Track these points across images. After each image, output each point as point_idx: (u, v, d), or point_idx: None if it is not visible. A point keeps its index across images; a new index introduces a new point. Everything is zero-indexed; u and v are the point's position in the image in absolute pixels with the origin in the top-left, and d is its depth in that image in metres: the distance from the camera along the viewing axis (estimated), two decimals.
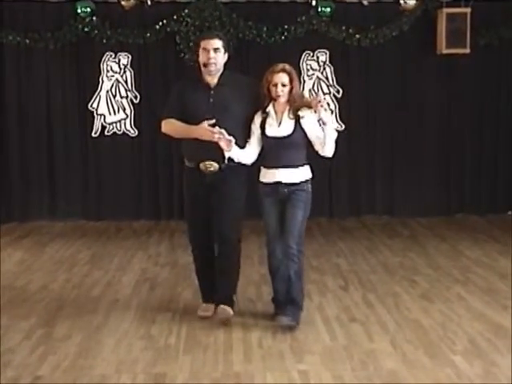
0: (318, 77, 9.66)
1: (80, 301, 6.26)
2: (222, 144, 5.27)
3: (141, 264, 7.55)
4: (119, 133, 9.69)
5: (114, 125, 9.68)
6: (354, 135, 9.68)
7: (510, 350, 4.97)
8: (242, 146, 5.48)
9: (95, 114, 9.64)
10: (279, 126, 5.44)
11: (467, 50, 9.24)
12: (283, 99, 5.42)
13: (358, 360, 4.84)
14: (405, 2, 9.11)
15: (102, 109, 9.64)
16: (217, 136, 5.22)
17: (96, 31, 9.31)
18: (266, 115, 5.47)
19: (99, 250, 8.17)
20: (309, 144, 5.52)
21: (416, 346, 5.08)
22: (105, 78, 9.59)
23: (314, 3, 9.32)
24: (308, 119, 5.43)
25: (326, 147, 5.44)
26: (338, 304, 6.09)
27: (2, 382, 4.52)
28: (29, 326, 5.58)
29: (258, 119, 5.51)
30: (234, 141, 5.28)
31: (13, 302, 6.22)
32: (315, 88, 9.65)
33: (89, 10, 9.17)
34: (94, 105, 9.61)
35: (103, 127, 9.67)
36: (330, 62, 9.65)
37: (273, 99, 5.46)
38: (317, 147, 5.49)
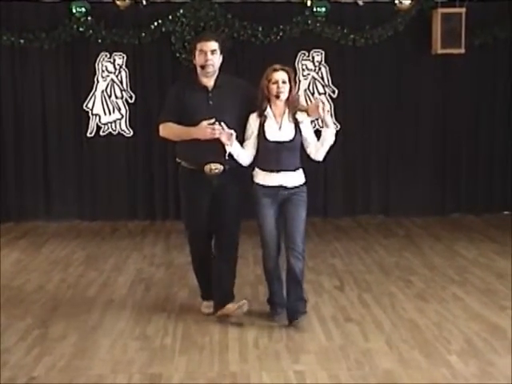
0: (313, 77, 9.66)
1: (75, 301, 6.25)
2: (224, 139, 5.29)
3: (136, 264, 7.53)
4: (114, 133, 9.68)
5: (109, 125, 9.67)
6: (349, 135, 9.68)
7: (506, 350, 4.98)
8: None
9: (90, 114, 9.62)
10: (280, 130, 5.45)
11: (462, 50, 9.25)
12: (284, 97, 5.42)
13: (354, 360, 4.84)
14: (400, 2, 9.13)
15: (97, 109, 9.63)
16: (218, 132, 5.26)
17: (91, 31, 9.30)
18: (264, 118, 5.45)
19: (94, 251, 8.16)
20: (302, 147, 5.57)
21: (412, 346, 5.08)
22: (100, 78, 9.58)
23: (309, 3, 9.33)
24: (305, 123, 5.50)
25: (322, 150, 5.51)
26: (333, 304, 6.09)
27: None
28: (25, 326, 5.57)
29: (254, 122, 5.49)
30: (234, 134, 5.30)
31: (10, 302, 6.21)
32: (310, 88, 9.65)
33: (84, 9, 9.16)
34: (89, 105, 9.60)
35: (98, 127, 9.65)
36: (326, 61, 9.65)
37: (271, 100, 5.47)
38: (310, 150, 5.55)
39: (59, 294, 6.45)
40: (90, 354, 5.00)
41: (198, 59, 5.51)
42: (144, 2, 9.30)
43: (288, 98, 5.47)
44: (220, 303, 5.68)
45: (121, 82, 9.61)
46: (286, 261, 5.48)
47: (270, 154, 5.45)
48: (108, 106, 9.63)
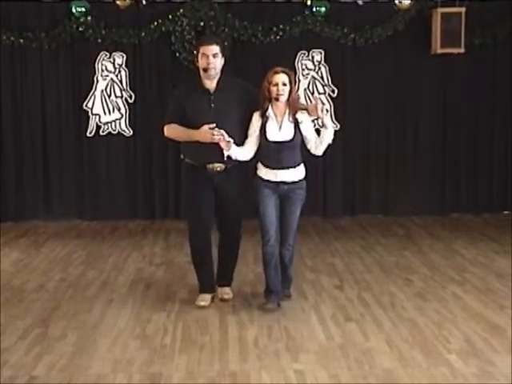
0: (313, 76, 9.66)
1: (75, 300, 6.26)
2: (222, 144, 5.57)
3: (136, 264, 7.54)
4: (114, 132, 9.67)
5: (109, 124, 9.66)
6: (349, 134, 9.68)
7: (506, 350, 4.98)
8: (240, 146, 5.76)
9: (90, 114, 9.62)
10: (280, 130, 5.70)
11: (462, 50, 9.25)
12: (283, 98, 5.66)
13: (354, 359, 4.84)
14: (400, 2, 9.12)
15: (97, 108, 9.63)
16: (217, 138, 5.53)
17: (91, 31, 9.30)
18: (266, 118, 5.71)
19: (94, 250, 8.15)
20: (302, 143, 5.82)
21: (411, 345, 5.09)
22: (99, 78, 9.58)
23: (308, 3, 9.33)
24: (305, 122, 5.75)
25: (321, 147, 5.81)
26: (333, 303, 6.10)
27: None
28: (25, 325, 5.58)
29: (256, 122, 5.75)
30: (232, 141, 5.59)
31: (10, 301, 6.21)
32: (310, 87, 9.64)
33: (83, 9, 9.16)
34: (89, 104, 9.59)
35: (98, 127, 9.65)
36: (325, 61, 9.65)
37: (272, 101, 5.70)
38: (310, 146, 5.83)
39: (59, 294, 6.45)
40: (89, 353, 5.00)
41: (201, 62, 5.78)
42: (144, 2, 9.30)
43: (288, 99, 5.71)
44: (219, 284, 6.22)
45: (120, 82, 9.61)
46: (279, 250, 5.84)
47: (271, 153, 5.73)
48: (108, 105, 9.62)
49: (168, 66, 9.55)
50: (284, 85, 5.65)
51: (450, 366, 4.69)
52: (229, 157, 5.66)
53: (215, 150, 5.62)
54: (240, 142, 5.74)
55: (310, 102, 8.96)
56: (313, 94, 9.62)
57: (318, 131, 5.92)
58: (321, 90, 9.68)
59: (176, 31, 9.32)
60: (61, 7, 9.27)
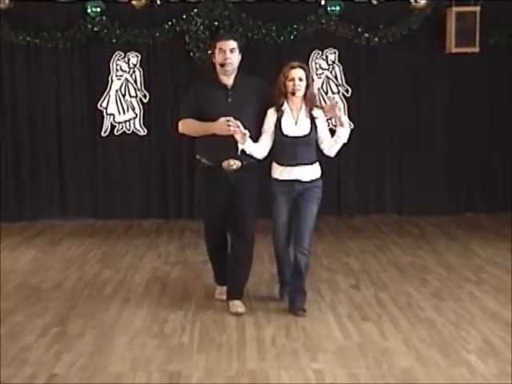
0: (327, 76, 9.66)
1: (92, 299, 6.29)
2: (238, 137, 5.44)
3: (151, 263, 7.56)
4: (128, 132, 9.71)
5: (124, 124, 9.70)
6: (362, 134, 9.67)
7: None
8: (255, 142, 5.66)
9: (105, 114, 9.65)
10: (296, 125, 5.60)
11: (476, 49, 9.23)
12: (300, 94, 5.57)
13: (372, 358, 4.85)
14: (415, 1, 9.10)
15: (112, 108, 9.66)
16: (232, 129, 5.41)
17: (105, 31, 9.33)
18: (281, 113, 5.60)
19: (109, 249, 8.19)
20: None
21: (429, 345, 5.09)
22: (114, 78, 9.61)
23: (323, 2, 9.32)
24: (320, 120, 5.65)
25: (335, 148, 5.70)
26: (349, 303, 6.11)
27: (20, 379, 4.55)
28: (44, 324, 5.61)
29: (272, 117, 5.64)
30: (248, 134, 5.47)
31: (28, 299, 6.25)
32: (324, 87, 9.65)
33: (99, 9, 9.20)
34: (104, 104, 9.63)
35: (113, 126, 9.68)
36: (339, 61, 9.65)
37: (288, 96, 5.60)
38: (323, 146, 5.72)
39: (76, 292, 6.48)
40: (108, 352, 5.03)
41: (218, 58, 5.70)
42: (158, 2, 9.33)
43: (305, 94, 5.62)
44: (229, 297, 5.97)
45: (135, 82, 9.64)
46: (294, 254, 5.70)
47: (287, 149, 5.61)
48: (122, 105, 9.66)
49: (182, 66, 9.57)
50: (300, 80, 5.56)
51: (469, 366, 4.68)
52: (243, 151, 5.55)
53: (231, 146, 5.52)
54: (255, 139, 5.64)
55: (325, 102, 8.93)
56: (327, 93, 9.62)
57: (331, 132, 5.83)
58: (335, 90, 9.68)
59: (190, 31, 9.34)
60: (76, 7, 9.31)
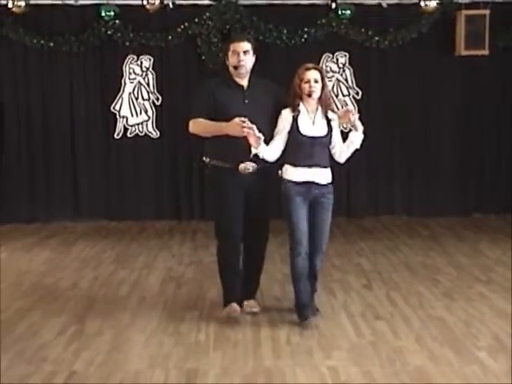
0: (337, 79, 9.77)
1: (109, 299, 6.39)
2: (252, 140, 5.32)
3: (165, 263, 7.67)
4: (141, 134, 9.83)
5: (136, 126, 9.82)
6: (372, 136, 9.66)
7: None
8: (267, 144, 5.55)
9: (118, 116, 9.78)
10: (314, 125, 5.52)
11: (486, 52, 9.33)
12: (316, 95, 5.51)
13: (386, 356, 4.93)
14: (425, 5, 9.19)
15: (125, 111, 9.79)
16: (247, 130, 5.28)
17: (119, 34, 9.47)
18: (297, 113, 5.51)
19: (123, 250, 8.31)
20: None
21: (441, 343, 5.17)
22: (127, 81, 9.73)
23: (333, 6, 9.43)
24: (335, 122, 5.61)
25: (345, 154, 5.65)
26: (362, 302, 6.20)
27: (40, 376, 4.65)
28: (61, 322, 5.71)
29: (286, 118, 5.52)
30: (262, 138, 5.35)
31: (44, 299, 6.36)
32: (335, 90, 9.75)
33: (112, 13, 9.32)
34: (117, 107, 9.75)
35: (125, 129, 9.81)
36: (350, 63, 9.77)
37: (303, 98, 5.53)
38: (334, 151, 5.65)
39: (92, 292, 6.59)
40: (126, 350, 5.12)
41: (231, 60, 5.62)
42: (171, 6, 9.45)
43: (321, 96, 5.55)
44: (243, 298, 5.92)
45: (148, 84, 9.76)
46: (309, 259, 5.59)
47: (304, 149, 5.49)
48: (135, 107, 9.78)
49: (194, 69, 9.70)
50: (316, 81, 5.47)
51: (480, 364, 4.76)
52: (256, 155, 5.43)
53: (245, 148, 5.38)
54: (268, 141, 5.52)
55: (336, 107, 8.98)
56: (337, 96, 9.73)
57: (343, 137, 5.76)
58: (345, 92, 9.79)
59: (202, 34, 9.46)
60: (90, 11, 9.46)
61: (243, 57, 5.57)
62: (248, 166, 5.55)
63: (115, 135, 9.80)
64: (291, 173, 5.55)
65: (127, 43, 9.53)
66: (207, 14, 9.43)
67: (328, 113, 5.59)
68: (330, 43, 9.66)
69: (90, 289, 6.70)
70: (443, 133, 9.94)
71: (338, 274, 7.11)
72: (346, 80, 9.78)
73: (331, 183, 5.67)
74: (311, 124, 5.52)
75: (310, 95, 5.49)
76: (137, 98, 9.77)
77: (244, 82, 5.67)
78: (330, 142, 5.59)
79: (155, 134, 9.83)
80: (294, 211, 5.50)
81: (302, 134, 5.49)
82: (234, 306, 5.77)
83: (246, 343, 5.24)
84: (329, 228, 5.68)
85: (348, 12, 9.40)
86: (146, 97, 9.78)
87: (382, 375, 4.62)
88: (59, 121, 9.79)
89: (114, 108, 9.75)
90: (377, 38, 9.57)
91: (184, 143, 9.49)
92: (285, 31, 9.49)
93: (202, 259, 7.76)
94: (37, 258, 7.88)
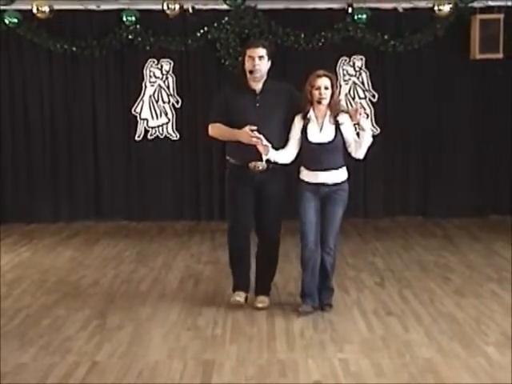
0: (354, 82, 9.93)
1: (129, 295, 6.61)
2: (260, 148, 5.71)
3: (184, 262, 7.88)
4: (161, 136, 10.04)
5: (157, 129, 10.03)
6: (388, 138, 9.93)
7: None
8: (282, 148, 5.88)
9: (138, 119, 10.00)
10: (321, 132, 5.81)
11: (500, 55, 9.45)
12: (325, 102, 5.77)
13: (395, 349, 5.11)
14: (439, 9, 9.31)
15: (145, 113, 10.00)
16: (255, 140, 5.68)
17: (140, 39, 9.68)
18: (307, 121, 5.83)
19: (143, 249, 8.52)
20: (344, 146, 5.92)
21: (450, 337, 5.33)
22: (148, 84, 9.95)
23: (350, 10, 9.59)
24: (346, 124, 5.84)
25: (361, 150, 5.87)
26: (374, 299, 6.37)
27: (64, 366, 4.87)
28: (84, 317, 5.95)
29: (298, 123, 5.86)
30: (270, 146, 5.71)
31: (68, 295, 6.60)
32: (351, 93, 9.92)
33: (133, 18, 9.53)
34: (138, 109, 9.97)
35: (146, 131, 10.03)
36: (366, 67, 9.92)
37: (314, 104, 5.81)
38: (351, 149, 5.90)
39: (114, 289, 6.82)
40: (146, 342, 5.34)
41: (247, 65, 5.93)
42: (191, 11, 9.65)
43: (330, 102, 5.81)
44: (256, 293, 6.25)
45: (168, 88, 9.98)
46: (320, 255, 5.92)
47: (313, 155, 5.84)
48: (155, 110, 10.00)
49: (213, 73, 9.89)
50: (326, 88, 5.74)
51: (487, 357, 4.93)
52: (268, 160, 5.81)
53: (258, 149, 5.77)
54: (282, 144, 5.88)
55: (351, 106, 9.17)
56: (354, 99, 9.89)
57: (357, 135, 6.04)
58: (361, 95, 9.95)
59: (221, 38, 9.65)
60: (112, 16, 9.68)
61: (258, 61, 5.88)
62: (258, 165, 5.87)
63: (136, 137, 10.01)
64: (304, 174, 5.93)
65: (148, 47, 9.74)
66: (226, 18, 9.61)
67: (339, 116, 5.82)
68: (346, 47, 9.82)
69: (112, 286, 6.93)
70: (458, 134, 10.04)
71: (352, 272, 7.28)
72: (363, 83, 9.94)
73: (344, 181, 5.92)
74: (319, 131, 5.81)
75: (319, 102, 5.78)
76: (157, 101, 9.98)
77: (258, 86, 5.97)
78: (342, 145, 5.85)
79: (175, 136, 10.03)
80: (303, 207, 5.87)
81: (310, 142, 5.82)
82: (239, 293, 6.19)
83: (261, 337, 5.44)
84: (338, 223, 5.91)
85: (364, 16, 9.55)
86: (166, 100, 9.99)
87: (391, 367, 4.79)
88: (82, 123, 10.03)
89: (134, 111, 9.97)
90: (392, 42, 9.70)
91: (203, 145, 9.69)
92: (302, 35, 9.66)
93: (219, 258, 7.92)
94: (60, 257, 8.12)
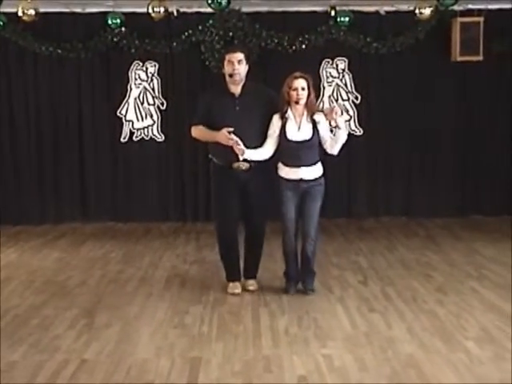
0: (337, 84, 10.05)
1: (116, 294, 6.70)
2: (236, 150, 6.09)
3: (170, 262, 7.97)
4: (147, 138, 10.13)
5: (142, 131, 10.11)
6: (372, 139, 10.05)
7: None
8: (259, 147, 6.27)
9: (124, 121, 10.08)
10: (299, 130, 6.21)
11: (480, 58, 9.60)
12: (302, 102, 6.18)
13: (378, 345, 5.22)
14: (420, 13, 9.43)
15: (131, 115, 10.08)
16: (231, 142, 6.05)
17: (125, 41, 9.76)
18: (285, 120, 6.21)
19: (130, 250, 8.60)
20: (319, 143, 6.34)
21: (431, 334, 5.45)
22: (133, 86, 10.03)
23: (333, 13, 9.70)
24: (322, 123, 6.26)
25: (336, 147, 6.33)
26: (358, 296, 6.49)
27: (53, 364, 4.95)
28: (72, 316, 6.02)
29: (277, 122, 6.25)
30: (245, 149, 6.09)
31: (55, 295, 6.68)
32: (334, 95, 10.04)
33: (118, 21, 9.62)
34: (123, 111, 10.05)
35: (131, 133, 10.10)
36: (349, 69, 10.05)
37: (291, 104, 6.20)
38: (326, 146, 6.35)
39: (101, 288, 6.89)
40: (134, 340, 5.42)
41: (227, 69, 6.30)
42: (175, 14, 9.74)
43: (307, 102, 6.22)
44: (244, 276, 6.78)
45: (153, 90, 10.06)
46: (302, 244, 6.41)
47: (291, 152, 6.25)
48: (141, 112, 10.08)
49: (198, 75, 9.99)
50: (303, 89, 6.18)
51: (467, 352, 5.05)
52: (245, 159, 6.19)
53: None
54: (260, 142, 6.25)
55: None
56: (337, 100, 10.01)
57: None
58: (345, 97, 10.07)
59: (206, 41, 9.74)
60: (97, 19, 9.75)
61: (237, 66, 6.26)
62: (241, 165, 6.26)
63: (122, 139, 10.09)
64: (283, 171, 6.33)
65: (133, 50, 9.82)
66: (211, 21, 9.69)
67: (314, 115, 6.23)
68: (329, 49, 9.93)
69: (99, 285, 7.01)
70: (441, 135, 10.17)
71: (336, 271, 7.40)
72: (346, 85, 10.06)
73: (321, 176, 6.35)
74: (297, 130, 6.22)
75: (297, 102, 6.19)
76: (142, 103, 10.06)
77: (237, 90, 6.33)
78: (318, 142, 6.27)
79: (160, 138, 10.12)
80: (284, 203, 6.33)
81: (288, 140, 6.21)
82: (235, 285, 6.65)
83: (247, 334, 5.53)
84: (317, 215, 6.34)
85: (347, 19, 9.66)
86: (151, 102, 10.08)
87: (374, 362, 4.91)
88: (68, 125, 10.09)
89: (120, 112, 10.04)
90: (375, 45, 9.82)
91: (188, 147, 9.78)
92: (286, 38, 9.75)
93: (205, 258, 8.05)
94: (47, 258, 8.18)
